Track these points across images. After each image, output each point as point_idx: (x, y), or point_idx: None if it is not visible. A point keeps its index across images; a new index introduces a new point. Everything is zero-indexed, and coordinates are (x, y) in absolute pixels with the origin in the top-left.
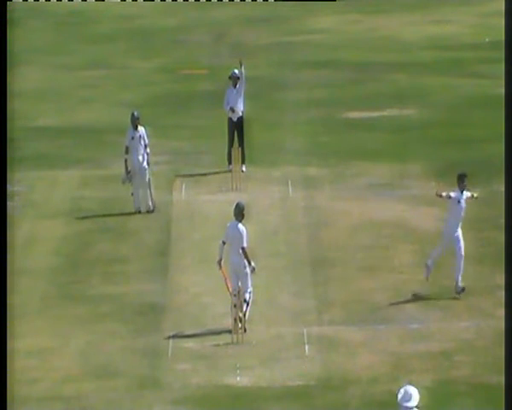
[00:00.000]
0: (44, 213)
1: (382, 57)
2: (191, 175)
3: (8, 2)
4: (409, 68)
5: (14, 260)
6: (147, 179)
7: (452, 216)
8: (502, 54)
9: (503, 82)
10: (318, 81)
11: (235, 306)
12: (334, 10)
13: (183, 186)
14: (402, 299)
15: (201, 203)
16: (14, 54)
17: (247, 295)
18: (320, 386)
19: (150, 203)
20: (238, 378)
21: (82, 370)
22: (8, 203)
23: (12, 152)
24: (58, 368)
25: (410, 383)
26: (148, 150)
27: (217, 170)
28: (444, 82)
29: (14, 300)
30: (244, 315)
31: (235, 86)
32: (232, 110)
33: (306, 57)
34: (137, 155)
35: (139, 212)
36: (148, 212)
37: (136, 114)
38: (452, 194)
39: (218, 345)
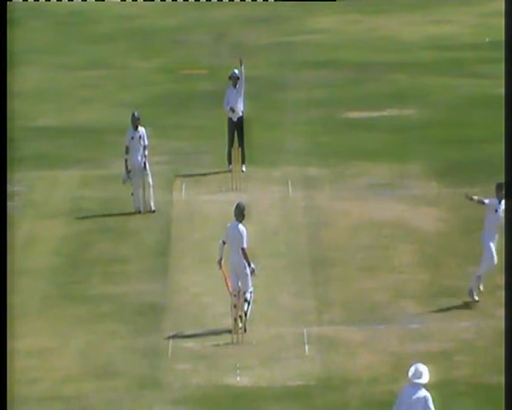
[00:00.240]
0: (44, 213)
1: (382, 57)
2: (191, 175)
3: (8, 2)
4: (409, 68)
5: (14, 260)
6: (149, 180)
7: (489, 225)
8: (502, 54)
9: (503, 82)
10: (318, 81)
11: (234, 306)
12: (334, 10)
13: (183, 186)
14: (402, 299)
15: (201, 203)
16: (14, 54)
17: (248, 295)
18: (320, 386)
19: (152, 203)
20: (238, 378)
21: (82, 370)
22: (8, 203)
23: (12, 152)
24: (58, 368)
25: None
26: (146, 152)
27: (217, 170)
28: (444, 82)
29: (14, 300)
30: (245, 315)
31: (235, 86)
32: (232, 110)
33: (306, 57)
34: (137, 155)
35: (139, 212)
36: (149, 212)
37: (136, 114)
38: (486, 201)
39: (218, 345)
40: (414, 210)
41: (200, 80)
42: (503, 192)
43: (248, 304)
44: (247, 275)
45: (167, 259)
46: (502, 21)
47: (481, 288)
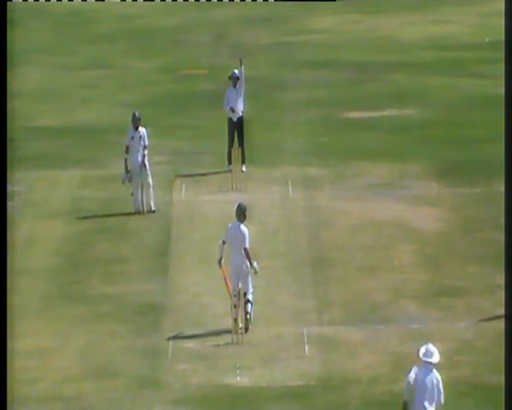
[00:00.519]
0: (44, 213)
1: (382, 57)
2: (191, 175)
3: (8, 2)
4: (409, 68)
5: (14, 260)
6: (149, 180)
7: None
8: (502, 54)
9: (503, 82)
10: (318, 81)
11: (234, 306)
12: (334, 10)
13: (183, 186)
14: (402, 299)
15: (201, 203)
16: (14, 54)
17: (250, 296)
18: (320, 386)
19: (152, 203)
20: (238, 378)
21: (82, 370)
22: (8, 203)
23: (12, 152)
24: (58, 368)
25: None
26: (145, 152)
27: (217, 170)
28: (444, 82)
29: (14, 300)
30: (249, 316)
31: (235, 86)
32: (232, 110)
33: (306, 57)
34: (137, 155)
35: (139, 212)
36: (149, 212)
37: (137, 114)
38: None
39: (218, 345)
40: (414, 210)
41: (200, 80)
42: None
43: (251, 305)
44: (247, 275)
45: (167, 259)
46: (502, 21)
47: None
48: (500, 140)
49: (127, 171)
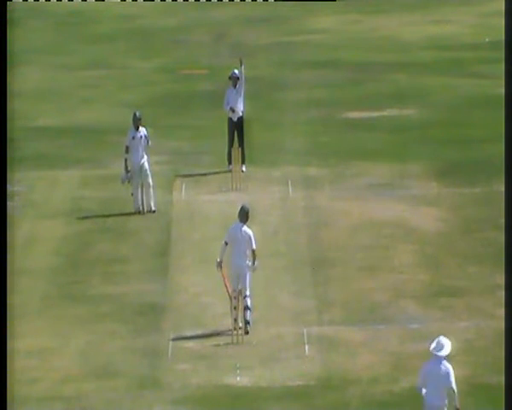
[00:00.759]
0: (44, 213)
1: (382, 57)
2: (191, 175)
3: (8, 2)
4: (409, 68)
5: (14, 260)
6: (149, 180)
7: None
8: (502, 54)
9: (503, 82)
10: (318, 81)
11: (234, 308)
12: (334, 10)
13: (183, 186)
14: (402, 299)
15: (201, 203)
16: (14, 54)
17: (248, 301)
18: (320, 386)
19: (152, 204)
20: (238, 378)
21: (82, 370)
22: (8, 203)
23: (12, 152)
24: (58, 368)
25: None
26: (145, 152)
27: (217, 170)
28: (444, 82)
29: (14, 300)
30: (248, 322)
31: (235, 86)
32: (232, 110)
33: (306, 57)
34: (138, 155)
35: (139, 212)
36: (149, 212)
37: (138, 114)
38: None
39: (218, 345)
40: (414, 210)
41: (200, 80)
42: None
43: (250, 311)
44: (247, 277)
45: (167, 259)
46: (502, 21)
47: None
48: (500, 140)
49: (127, 171)
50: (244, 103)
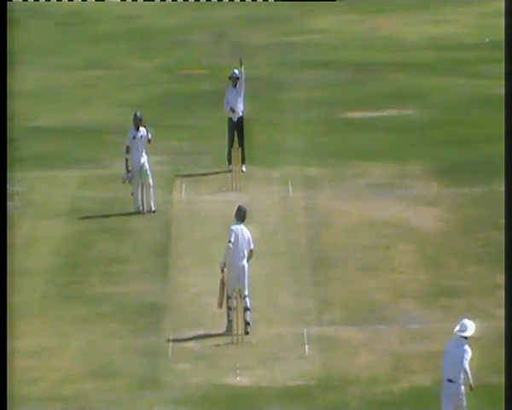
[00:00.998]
0: (44, 213)
1: (382, 57)
2: (191, 175)
3: (8, 2)
4: (409, 68)
5: (14, 260)
6: (150, 180)
7: None
8: (502, 54)
9: (503, 82)
10: (318, 81)
11: (230, 308)
12: (334, 10)
13: (183, 186)
14: (402, 299)
15: (201, 203)
16: (14, 54)
17: (247, 302)
18: (320, 386)
19: (152, 203)
20: (238, 378)
21: (82, 370)
22: (8, 203)
23: (12, 152)
24: (58, 368)
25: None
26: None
27: (217, 170)
28: (444, 82)
29: (14, 300)
30: (248, 323)
31: (235, 86)
32: (232, 110)
33: (306, 57)
34: (138, 155)
35: (139, 212)
36: (149, 212)
37: (138, 114)
38: None
39: (218, 345)
40: (414, 210)
41: (200, 80)
42: None
43: (250, 311)
44: (246, 276)
45: (167, 259)
46: (502, 21)
47: None
48: (500, 140)
49: (128, 171)
50: (244, 103)
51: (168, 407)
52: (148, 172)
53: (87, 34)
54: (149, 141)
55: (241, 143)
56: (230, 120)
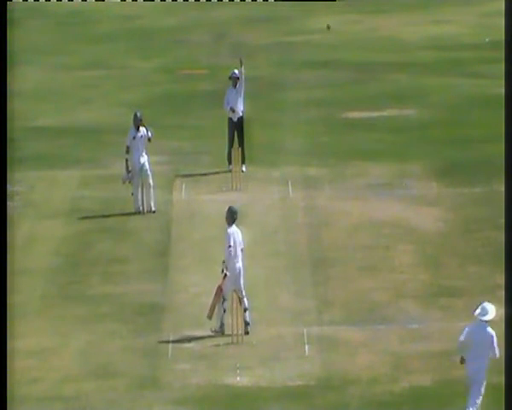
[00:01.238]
0: (44, 213)
1: (382, 57)
2: (191, 175)
3: (8, 2)
4: (409, 68)
5: (14, 260)
6: (150, 180)
7: None
8: (502, 54)
9: (503, 82)
10: (318, 81)
11: (224, 311)
12: (334, 10)
13: (183, 186)
14: (402, 299)
15: (201, 203)
16: (14, 54)
17: (246, 302)
18: (320, 386)
19: (152, 204)
20: (238, 378)
21: (82, 370)
22: (8, 203)
23: (12, 152)
24: (58, 368)
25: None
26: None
27: (217, 170)
28: (444, 82)
29: (14, 300)
30: (248, 323)
31: (235, 86)
32: (232, 110)
33: (306, 57)
34: (138, 155)
35: (139, 212)
36: (149, 212)
37: (139, 114)
38: None
39: (218, 345)
40: (414, 210)
41: (200, 80)
42: None
43: (248, 311)
44: (241, 277)
45: (167, 259)
46: (502, 21)
47: None
48: (500, 140)
49: (128, 171)
50: (244, 103)
51: (168, 407)
52: (149, 172)
53: (87, 34)
54: (149, 139)
55: (241, 143)
56: (230, 120)
